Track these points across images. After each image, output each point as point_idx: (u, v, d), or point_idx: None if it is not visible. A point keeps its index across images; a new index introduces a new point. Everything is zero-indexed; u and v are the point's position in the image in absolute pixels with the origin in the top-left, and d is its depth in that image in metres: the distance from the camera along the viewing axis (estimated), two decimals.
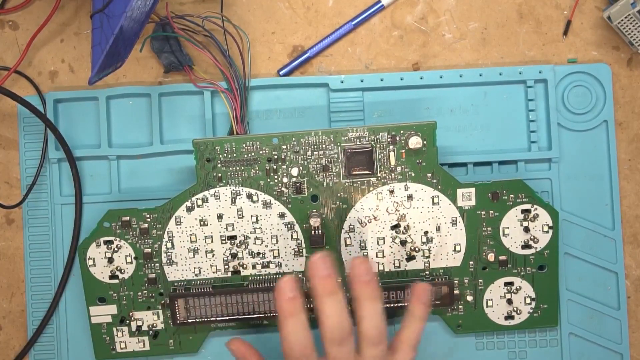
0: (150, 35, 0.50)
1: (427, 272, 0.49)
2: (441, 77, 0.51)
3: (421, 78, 0.51)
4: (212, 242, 0.48)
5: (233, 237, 0.48)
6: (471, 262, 0.49)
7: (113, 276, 0.48)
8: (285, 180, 0.48)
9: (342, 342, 0.41)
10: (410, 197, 0.48)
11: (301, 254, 0.49)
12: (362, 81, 0.51)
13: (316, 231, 0.48)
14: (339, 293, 0.41)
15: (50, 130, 0.50)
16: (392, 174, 0.48)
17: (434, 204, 0.48)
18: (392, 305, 0.48)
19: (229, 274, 0.49)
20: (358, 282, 0.42)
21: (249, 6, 0.52)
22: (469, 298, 0.49)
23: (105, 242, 0.48)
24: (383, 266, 0.49)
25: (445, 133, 0.51)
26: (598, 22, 0.52)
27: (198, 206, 0.48)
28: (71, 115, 0.51)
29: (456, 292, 0.49)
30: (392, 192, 0.48)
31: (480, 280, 0.49)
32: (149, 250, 0.48)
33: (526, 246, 0.49)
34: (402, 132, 0.47)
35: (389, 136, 0.48)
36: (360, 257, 0.42)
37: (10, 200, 0.52)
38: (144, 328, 0.49)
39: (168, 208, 0.48)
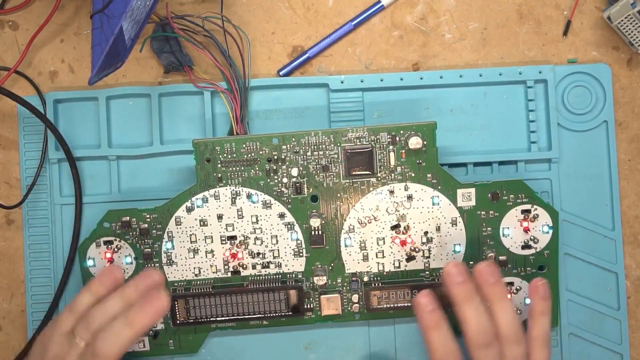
0: (150, 35, 0.50)
1: (427, 273, 0.49)
2: (441, 78, 0.51)
3: (421, 78, 0.51)
4: (212, 242, 0.48)
5: (233, 238, 0.48)
6: (471, 262, 0.49)
7: None
8: (285, 180, 0.48)
9: (489, 345, 0.42)
10: (410, 197, 0.48)
11: (301, 254, 0.49)
12: (362, 81, 0.51)
13: (316, 231, 0.48)
14: (477, 297, 0.43)
15: (50, 131, 0.50)
16: (392, 174, 0.48)
17: (433, 204, 0.48)
18: (393, 305, 0.48)
19: (229, 274, 0.48)
20: (486, 284, 0.43)
21: (249, 6, 0.52)
22: None
23: (105, 243, 0.48)
24: (383, 266, 0.49)
25: (445, 133, 0.51)
26: (598, 22, 0.52)
27: (198, 206, 0.48)
28: (71, 115, 0.51)
29: None
30: (392, 192, 0.48)
31: None
32: (149, 250, 0.48)
33: (526, 246, 0.49)
34: (402, 132, 0.47)
35: (389, 136, 0.48)
36: (482, 262, 0.44)
37: (10, 201, 0.52)
38: None
39: (168, 208, 0.48)
